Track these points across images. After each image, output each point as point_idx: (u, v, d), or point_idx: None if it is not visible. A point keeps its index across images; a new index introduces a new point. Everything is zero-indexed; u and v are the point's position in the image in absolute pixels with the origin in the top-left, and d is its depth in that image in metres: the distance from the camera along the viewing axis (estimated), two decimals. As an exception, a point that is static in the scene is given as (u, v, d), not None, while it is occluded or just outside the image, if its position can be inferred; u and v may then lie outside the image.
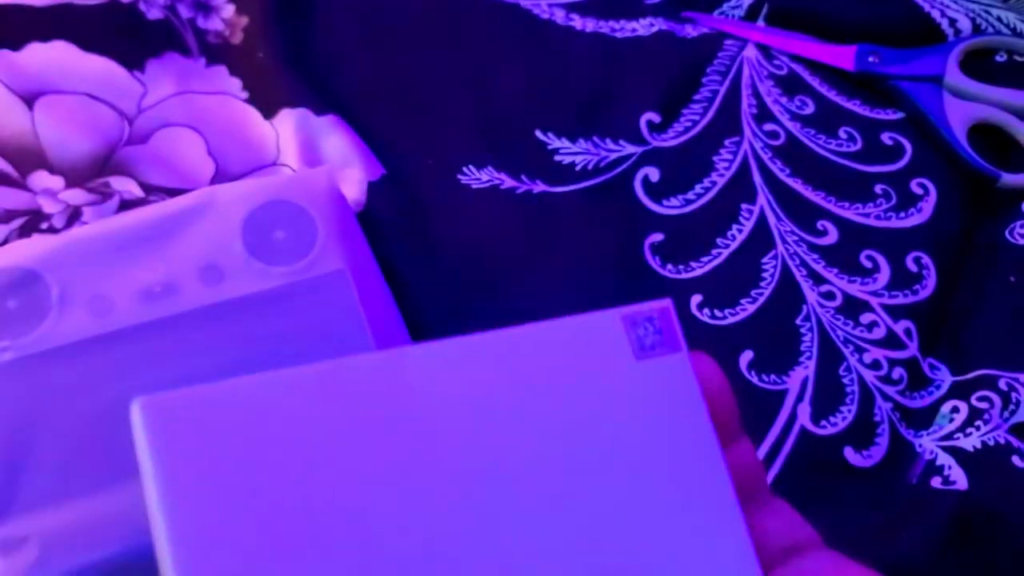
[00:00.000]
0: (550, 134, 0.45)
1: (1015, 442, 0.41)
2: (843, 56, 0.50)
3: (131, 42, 0.44)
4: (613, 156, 0.45)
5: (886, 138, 0.49)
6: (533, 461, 0.21)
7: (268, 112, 0.43)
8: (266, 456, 0.20)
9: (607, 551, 0.21)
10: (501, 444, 0.21)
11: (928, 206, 0.47)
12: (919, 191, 0.47)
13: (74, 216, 0.40)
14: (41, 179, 0.40)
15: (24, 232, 0.39)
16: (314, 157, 0.43)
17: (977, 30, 0.52)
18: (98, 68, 0.43)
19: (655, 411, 0.23)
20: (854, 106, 0.49)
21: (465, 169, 0.44)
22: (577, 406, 0.22)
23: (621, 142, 0.46)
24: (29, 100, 0.41)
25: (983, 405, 0.42)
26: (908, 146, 0.48)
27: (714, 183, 0.45)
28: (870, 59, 0.50)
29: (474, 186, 0.44)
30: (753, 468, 0.24)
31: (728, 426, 0.23)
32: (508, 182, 0.44)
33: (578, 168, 0.45)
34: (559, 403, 0.22)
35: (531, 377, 0.22)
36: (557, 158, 0.45)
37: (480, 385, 0.21)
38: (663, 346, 0.23)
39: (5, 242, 0.38)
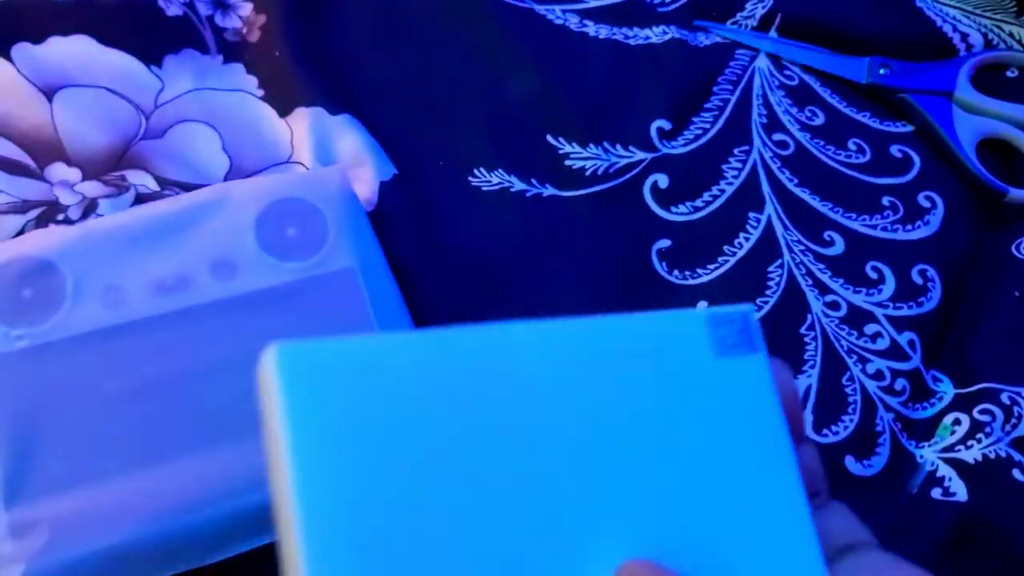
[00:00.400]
0: (561, 139, 0.46)
1: (1016, 455, 0.42)
2: (854, 68, 0.51)
3: (150, 38, 0.44)
4: (623, 162, 0.46)
5: (895, 150, 0.49)
6: (613, 440, 0.23)
7: (283, 110, 0.44)
8: (391, 411, 0.21)
9: (679, 531, 0.23)
10: (587, 420, 0.23)
11: (935, 219, 0.47)
12: (927, 204, 0.48)
13: (90, 208, 0.40)
14: (58, 171, 0.41)
15: (40, 223, 0.39)
16: (327, 156, 0.43)
17: (989, 45, 0.52)
18: (116, 63, 0.43)
19: (732, 406, 0.24)
20: (864, 118, 0.50)
21: (476, 171, 0.44)
22: (658, 395, 0.24)
23: (631, 148, 0.46)
24: (49, 93, 0.42)
25: (985, 418, 0.42)
26: (917, 159, 0.49)
27: (722, 191, 0.46)
28: (881, 72, 0.51)
29: (484, 188, 0.44)
30: (816, 471, 0.26)
31: (794, 430, 0.25)
32: (518, 185, 0.44)
33: (588, 173, 0.45)
34: (641, 390, 0.24)
35: (617, 364, 0.24)
36: (567, 163, 0.45)
37: (576, 366, 0.23)
38: (743, 347, 0.25)
39: (22, 232, 0.39)
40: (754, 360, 0.25)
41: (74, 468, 0.34)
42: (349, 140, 0.43)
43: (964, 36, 0.52)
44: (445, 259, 0.42)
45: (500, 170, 0.44)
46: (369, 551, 0.20)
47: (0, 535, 0.32)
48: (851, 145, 0.49)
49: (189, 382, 0.35)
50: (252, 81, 0.45)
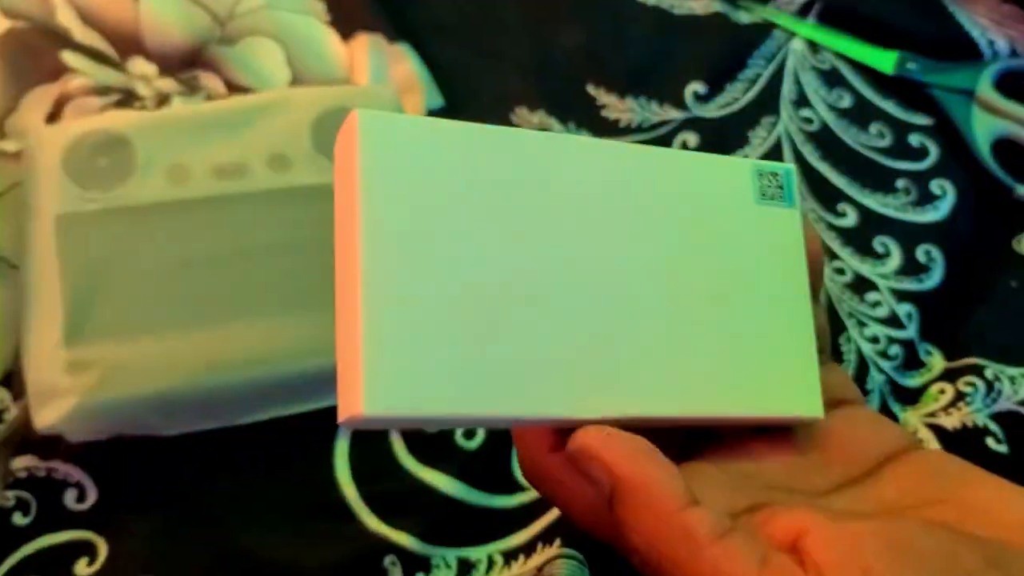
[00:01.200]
0: (601, 89, 0.49)
1: (992, 427, 0.44)
2: (884, 60, 0.53)
3: (231, -43, 0.48)
4: (656, 118, 0.49)
5: (914, 139, 0.51)
6: (647, 250, 0.25)
7: (346, 34, 0.47)
8: (454, 192, 0.23)
9: (689, 337, 0.25)
10: (629, 229, 0.25)
11: (945, 206, 0.50)
12: (938, 191, 0.50)
13: (163, 101, 0.44)
14: (138, 64, 0.44)
15: (118, 107, 0.43)
16: (382, 79, 0.46)
17: (1014, 54, 0.55)
18: (199, -26, 0.47)
19: (763, 246, 0.27)
20: (888, 106, 0.52)
21: (518, 109, 0.48)
22: (696, 221, 0.26)
23: (666, 106, 0.49)
24: (136, -8, 0.45)
25: (968, 389, 0.45)
26: (934, 149, 0.51)
27: (747, 155, 0.49)
28: (909, 65, 0.53)
29: (524, 128, 0.47)
30: (824, 330, 0.28)
31: (814, 285, 0.27)
32: (556, 127, 0.48)
33: (622, 124, 0.48)
34: (681, 215, 0.26)
35: (666, 188, 0.26)
36: (604, 113, 0.48)
37: (629, 182, 0.25)
38: (781, 200, 0.27)
39: (102, 111, 0.42)
40: (789, 212, 0.27)
41: (129, 320, 0.37)
42: (403, 67, 0.47)
43: (991, 43, 0.55)
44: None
45: (541, 111, 0.48)
46: (421, 297, 0.22)
47: (59, 370, 0.36)
48: (873, 129, 0.51)
49: (238, 257, 0.39)
50: (320, 7, 0.48)
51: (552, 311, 0.24)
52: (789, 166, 0.28)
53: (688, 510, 0.22)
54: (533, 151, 0.24)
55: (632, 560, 0.23)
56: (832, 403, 0.27)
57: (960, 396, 0.45)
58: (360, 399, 0.21)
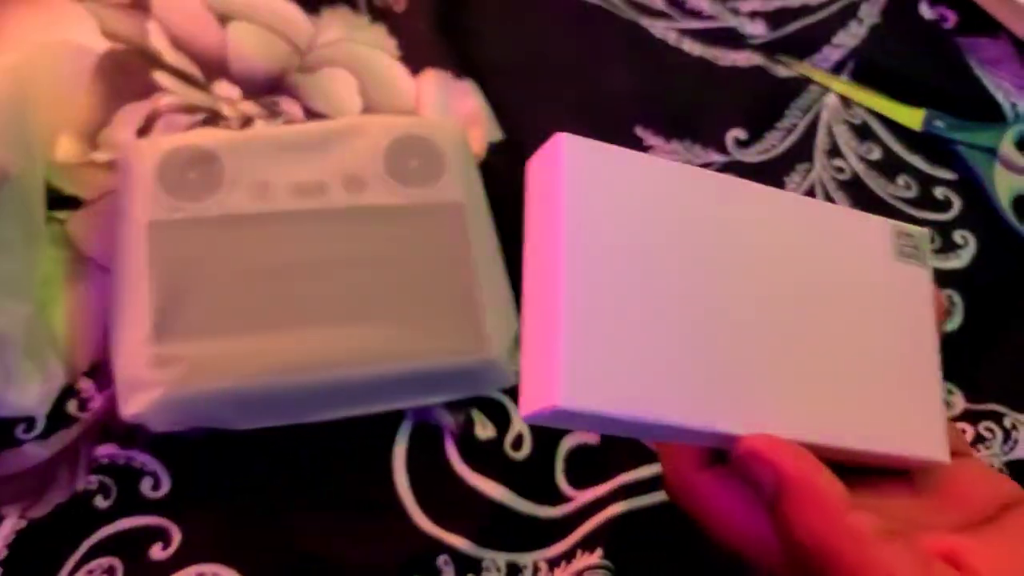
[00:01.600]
0: (648, 131, 0.52)
1: (1006, 472, 0.47)
2: (913, 117, 0.57)
3: (310, -7, 0.51)
4: (699, 161, 0.52)
5: (938, 192, 0.55)
6: (803, 292, 0.28)
7: (415, 70, 0.51)
8: (642, 215, 0.26)
9: (839, 376, 0.28)
10: (786, 272, 0.28)
11: (966, 255, 0.53)
12: (960, 241, 0.53)
13: (246, 123, 0.47)
14: (223, 88, 0.48)
15: (204, 125, 0.46)
16: (446, 113, 0.50)
17: (1035, 116, 0.58)
18: (282, 8, 0.50)
19: (898, 299, 0.30)
20: (915, 160, 0.55)
21: (571, 147, 0.51)
22: (843, 269, 0.29)
23: (708, 150, 0.52)
24: (223, 20, 0.49)
25: (987, 434, 0.47)
26: (957, 202, 0.54)
27: (782, 199, 0.52)
28: (936, 123, 0.57)
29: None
30: (944, 385, 0.30)
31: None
32: (605, 165, 0.51)
33: (667, 165, 0.52)
34: (832, 262, 0.29)
35: (819, 236, 0.29)
36: (650, 154, 0.52)
37: (786, 226, 0.28)
38: (915, 259, 0.30)
39: (190, 128, 0.45)
40: (921, 271, 0.30)
41: (212, 321, 0.40)
42: (469, 102, 0.50)
43: (1014, 105, 0.58)
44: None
45: (592, 149, 0.51)
46: (614, 310, 0.24)
47: (146, 363, 0.39)
48: (900, 181, 0.54)
49: (314, 268, 0.41)
50: (392, 43, 0.52)
51: (722, 338, 0.26)
52: (925, 230, 0.31)
53: (854, 512, 0.24)
54: (712, 189, 0.27)
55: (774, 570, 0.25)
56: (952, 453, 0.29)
57: (979, 439, 0.47)
58: (558, 392, 0.23)
